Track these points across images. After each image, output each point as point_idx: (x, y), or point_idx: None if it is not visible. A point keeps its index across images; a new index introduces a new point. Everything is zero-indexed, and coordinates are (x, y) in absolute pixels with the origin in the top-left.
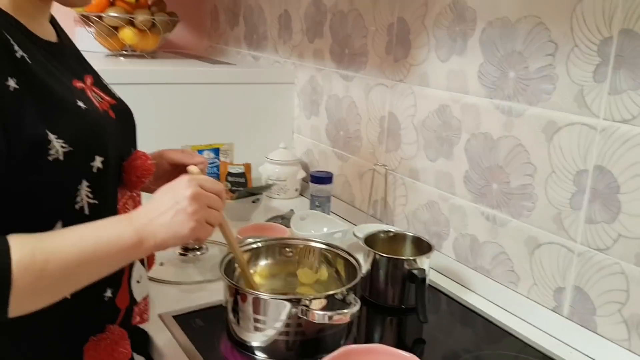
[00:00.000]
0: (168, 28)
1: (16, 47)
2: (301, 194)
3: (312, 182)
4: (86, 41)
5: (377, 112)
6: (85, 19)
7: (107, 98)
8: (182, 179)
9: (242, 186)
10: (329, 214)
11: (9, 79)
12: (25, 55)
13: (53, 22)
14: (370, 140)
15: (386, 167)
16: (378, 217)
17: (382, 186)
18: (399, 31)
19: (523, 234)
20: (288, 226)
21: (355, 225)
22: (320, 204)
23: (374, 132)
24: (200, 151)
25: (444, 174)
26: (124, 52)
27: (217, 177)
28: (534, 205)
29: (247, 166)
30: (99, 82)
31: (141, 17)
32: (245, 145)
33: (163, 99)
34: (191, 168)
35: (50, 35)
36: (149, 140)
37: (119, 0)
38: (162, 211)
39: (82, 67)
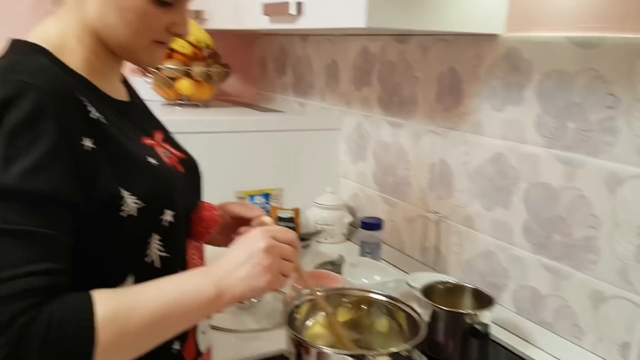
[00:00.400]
0: (222, 79)
1: (91, 109)
2: (348, 239)
3: (362, 228)
4: (143, 90)
5: (427, 159)
6: (144, 70)
7: (175, 152)
8: (256, 232)
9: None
10: (379, 261)
11: (86, 139)
12: (100, 116)
13: (124, 80)
14: (420, 186)
15: (439, 215)
16: (430, 265)
17: (434, 233)
18: (450, 80)
19: (587, 287)
20: (339, 272)
21: (407, 273)
22: (370, 250)
23: (424, 178)
24: (251, 197)
25: (501, 223)
26: (180, 102)
27: None
28: (597, 258)
29: (296, 211)
30: (167, 137)
31: (197, 69)
32: (294, 189)
33: (216, 147)
34: (265, 219)
35: (122, 94)
36: (205, 185)
37: (176, 53)
38: (238, 264)
39: (151, 123)
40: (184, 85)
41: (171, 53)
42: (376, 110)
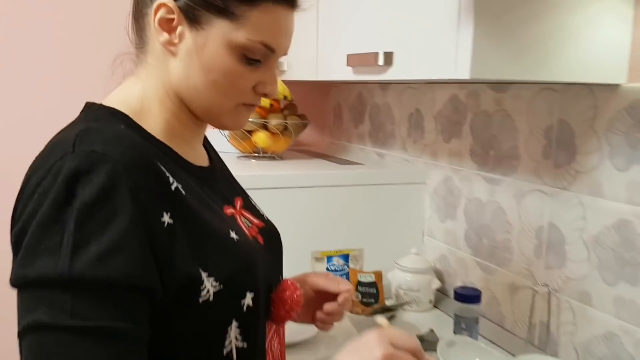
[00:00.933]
0: (299, 131)
1: (170, 179)
2: (435, 306)
3: (456, 299)
4: (219, 142)
5: (532, 222)
6: None
7: (255, 221)
8: (372, 337)
9: (373, 297)
10: (477, 339)
11: (164, 214)
12: (179, 185)
13: (205, 143)
14: (524, 253)
15: (548, 287)
16: (537, 345)
17: (543, 309)
18: (559, 134)
19: None
20: (429, 350)
21: (513, 354)
22: (467, 326)
23: (529, 244)
24: (329, 258)
25: (627, 303)
26: (256, 155)
27: None
28: None
29: (378, 275)
30: (248, 203)
31: (274, 122)
32: (375, 250)
33: (291, 203)
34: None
35: (202, 159)
36: None
37: None
38: None
39: (232, 189)
40: (261, 138)
41: None
42: (468, 164)
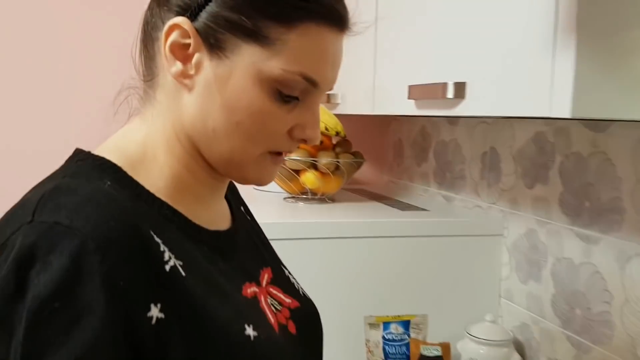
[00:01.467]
0: (352, 170)
1: (167, 255)
2: None
3: None
4: None
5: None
6: None
7: (287, 301)
8: None
9: None
10: None
11: (152, 306)
12: (178, 264)
13: (230, 193)
14: (630, 331)
15: None
16: None
17: None
18: None
19: None
20: None
21: None
22: None
23: (636, 321)
24: (386, 324)
25: None
26: (304, 196)
27: (405, 358)
28: None
29: (445, 347)
30: (279, 275)
31: (325, 161)
32: (440, 315)
33: (342, 256)
34: None
35: (221, 220)
36: (325, 308)
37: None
38: None
39: (259, 257)
40: (309, 179)
41: None
42: (557, 216)
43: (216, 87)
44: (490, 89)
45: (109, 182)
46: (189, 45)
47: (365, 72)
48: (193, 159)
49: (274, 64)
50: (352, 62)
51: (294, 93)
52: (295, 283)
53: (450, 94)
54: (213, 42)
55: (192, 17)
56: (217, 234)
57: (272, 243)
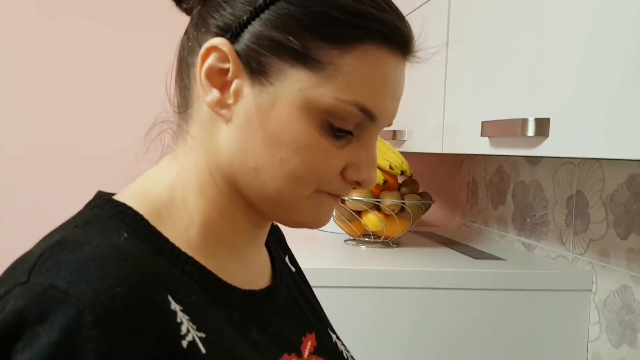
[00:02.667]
0: (419, 212)
1: (185, 328)
2: None
3: None
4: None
5: None
6: None
7: None
8: None
9: None
10: None
11: None
12: (198, 337)
13: (271, 237)
14: None
15: None
16: None
17: None
18: None
19: None
20: None
21: None
22: None
23: None
24: None
25: None
26: (366, 240)
27: None
28: None
29: None
30: (325, 341)
31: (389, 201)
32: None
33: (405, 308)
34: None
35: (259, 276)
36: None
37: None
38: None
39: (303, 320)
40: (372, 221)
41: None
42: None
43: (257, 119)
44: (576, 127)
45: (125, 235)
46: (227, 70)
47: (435, 106)
48: (230, 202)
49: (325, 92)
50: (421, 94)
51: (347, 127)
52: (344, 351)
53: (531, 131)
54: (255, 66)
55: (232, 39)
56: (252, 295)
57: (326, 291)
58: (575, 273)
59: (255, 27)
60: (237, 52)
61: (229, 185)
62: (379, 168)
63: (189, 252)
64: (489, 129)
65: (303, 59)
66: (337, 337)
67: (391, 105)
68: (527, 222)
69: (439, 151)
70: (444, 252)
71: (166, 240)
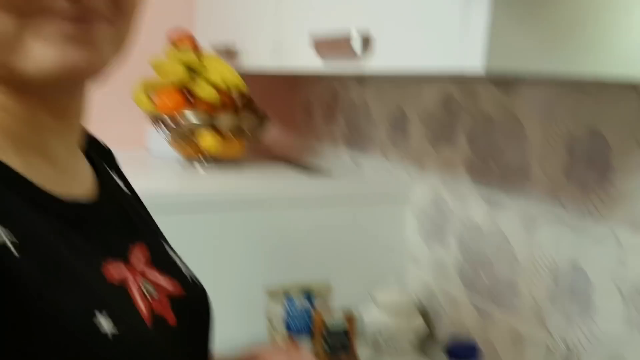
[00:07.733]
0: (256, 132)
1: None
2: (423, 352)
3: (449, 357)
4: (158, 145)
5: (548, 259)
6: (158, 122)
7: (164, 286)
8: None
9: (344, 349)
10: None
11: None
12: (10, 240)
13: (95, 154)
14: (536, 296)
15: (567, 344)
16: None
17: None
18: (589, 148)
19: None
20: None
21: None
22: None
23: (541, 287)
24: (289, 298)
25: None
26: (203, 161)
27: (308, 330)
28: None
29: (350, 318)
30: (157, 253)
31: (225, 121)
32: (344, 282)
33: (242, 226)
34: None
35: (82, 183)
36: (222, 281)
37: (198, 100)
38: None
39: (131, 229)
40: (208, 141)
41: (194, 101)
42: (463, 178)
43: None
44: (397, 42)
45: None
46: None
47: (267, 19)
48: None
49: None
50: (254, 8)
51: None
52: (180, 263)
53: (357, 48)
54: None
55: None
56: (73, 206)
57: (165, 216)
58: (396, 183)
59: None
60: None
61: None
62: (215, 86)
63: None
64: (320, 47)
65: None
66: (173, 251)
67: None
68: (356, 139)
69: (273, 69)
70: (279, 172)
71: None
